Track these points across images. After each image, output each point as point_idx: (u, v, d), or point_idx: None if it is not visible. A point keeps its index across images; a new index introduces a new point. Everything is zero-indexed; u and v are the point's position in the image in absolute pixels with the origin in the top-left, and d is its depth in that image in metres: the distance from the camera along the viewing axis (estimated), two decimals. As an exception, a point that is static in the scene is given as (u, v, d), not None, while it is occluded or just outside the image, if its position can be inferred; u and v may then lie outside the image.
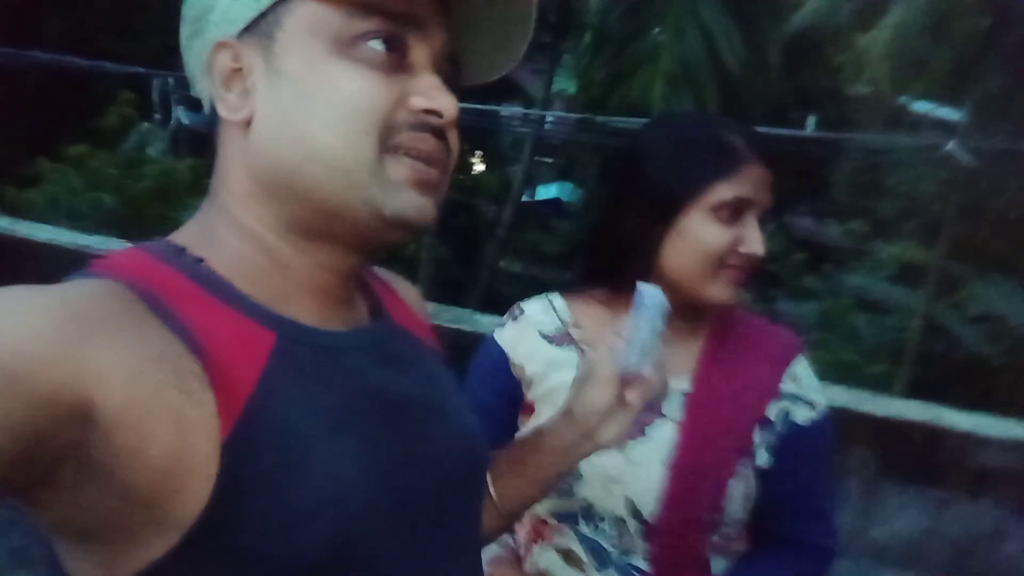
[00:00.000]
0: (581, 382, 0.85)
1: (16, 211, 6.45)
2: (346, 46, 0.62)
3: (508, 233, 10.13)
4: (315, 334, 0.65)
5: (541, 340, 1.21)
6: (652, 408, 1.11)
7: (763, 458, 1.12)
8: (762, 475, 1.13)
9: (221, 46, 0.65)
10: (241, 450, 0.55)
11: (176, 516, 0.53)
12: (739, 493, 1.10)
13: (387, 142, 0.62)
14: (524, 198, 11.05)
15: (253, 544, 0.55)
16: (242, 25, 0.64)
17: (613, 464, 1.10)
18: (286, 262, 0.66)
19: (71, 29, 8.84)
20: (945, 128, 7.05)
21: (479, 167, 13.74)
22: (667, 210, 1.11)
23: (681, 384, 1.14)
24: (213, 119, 0.68)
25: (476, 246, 10.63)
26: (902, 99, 9.03)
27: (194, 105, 0.79)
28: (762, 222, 1.10)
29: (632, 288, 1.14)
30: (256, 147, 0.64)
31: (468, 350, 1.27)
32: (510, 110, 7.85)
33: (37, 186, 7.13)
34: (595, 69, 8.00)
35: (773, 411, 1.13)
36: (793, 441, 1.13)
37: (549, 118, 8.54)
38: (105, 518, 0.52)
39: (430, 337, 0.83)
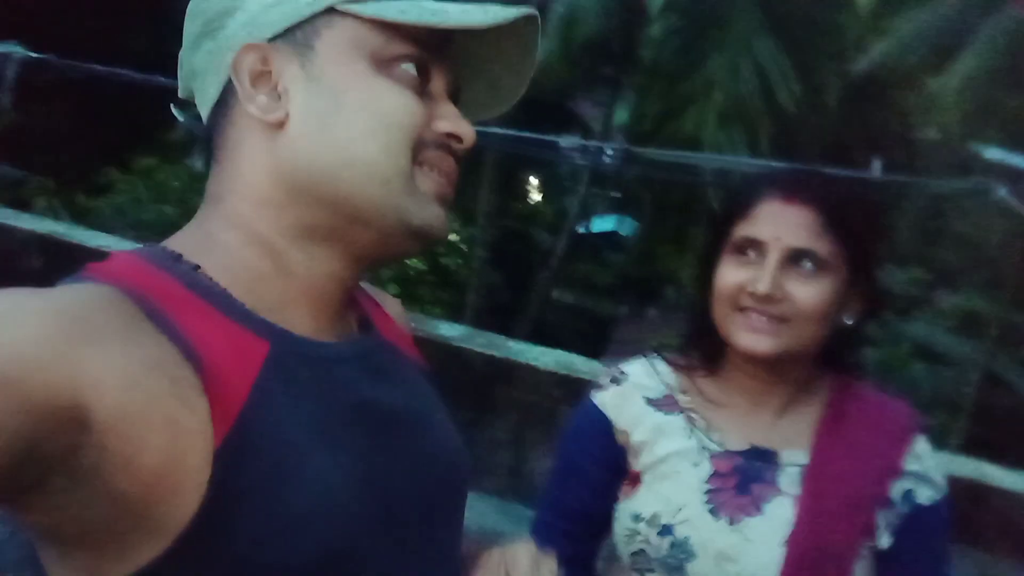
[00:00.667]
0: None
1: (83, 218, 6.74)
2: (383, 65, 0.66)
3: (561, 263, 10.10)
4: (308, 344, 0.66)
5: (647, 405, 1.17)
6: (766, 481, 1.08)
7: (884, 540, 1.07)
8: (881, 558, 1.08)
9: (251, 48, 0.67)
10: (233, 458, 0.56)
11: (166, 523, 0.54)
12: None
13: (417, 156, 0.67)
14: (579, 229, 11.03)
15: (242, 552, 0.55)
16: (275, 30, 0.67)
17: (727, 541, 1.06)
18: (292, 269, 0.67)
19: (153, 47, 9.23)
20: (1016, 176, 6.80)
21: (536, 196, 13.80)
22: (708, 259, 1.11)
23: (797, 457, 1.09)
24: (214, 122, 0.70)
25: (528, 275, 10.63)
26: (974, 145, 8.78)
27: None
28: (791, 261, 1.04)
29: (717, 350, 1.13)
30: (289, 150, 0.66)
31: (498, 376, 1.26)
32: (569, 140, 7.86)
33: (106, 195, 7.43)
34: (648, 103, 7.99)
35: (895, 490, 1.08)
36: (916, 522, 1.08)
37: (607, 150, 8.54)
38: (95, 524, 0.53)
39: (413, 351, 0.84)
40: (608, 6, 9.41)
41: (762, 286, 1.03)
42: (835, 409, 1.12)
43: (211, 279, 0.63)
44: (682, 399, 1.16)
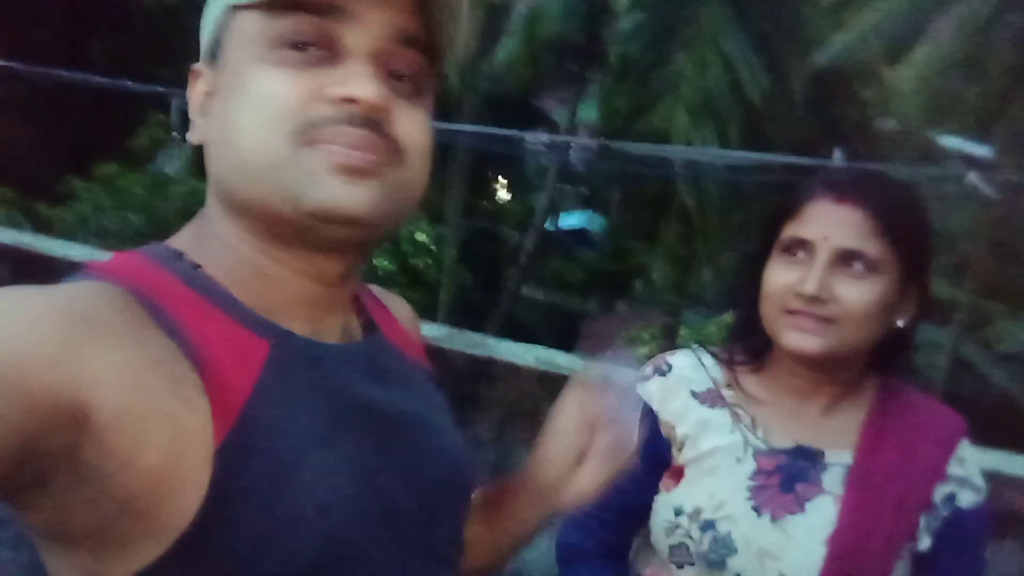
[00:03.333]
0: (548, 430, 0.82)
1: (46, 228, 6.59)
2: (270, 49, 0.61)
3: (531, 260, 10.14)
4: (308, 345, 0.65)
5: (692, 399, 1.15)
6: (810, 480, 1.07)
7: (924, 543, 1.07)
8: (919, 560, 1.07)
9: (194, 73, 0.67)
10: (234, 457, 0.55)
11: (167, 522, 0.53)
12: None
13: (303, 137, 0.60)
14: (547, 226, 11.08)
15: (242, 551, 0.54)
16: (207, 50, 0.66)
17: (769, 538, 1.05)
18: (266, 272, 0.65)
19: (113, 52, 9.07)
20: (974, 163, 6.97)
21: (503, 194, 13.83)
22: (757, 258, 1.10)
23: (843, 457, 1.08)
24: None
25: (498, 273, 10.64)
26: (931, 134, 8.96)
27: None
28: (841, 262, 1.03)
29: (763, 346, 1.11)
30: (211, 163, 0.65)
31: (480, 375, 1.25)
32: (535, 137, 7.88)
33: (67, 204, 7.28)
34: (617, 98, 8.05)
35: (938, 494, 1.07)
36: (957, 527, 1.07)
37: (573, 145, 8.58)
38: (96, 523, 0.52)
39: (420, 356, 0.83)
40: (572, 4, 9.46)
41: (809, 287, 1.01)
42: (881, 411, 1.11)
43: (212, 278, 0.63)
44: (727, 394, 1.15)
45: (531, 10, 9.69)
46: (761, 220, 1.14)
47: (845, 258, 1.02)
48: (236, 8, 0.63)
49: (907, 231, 1.05)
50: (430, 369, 0.83)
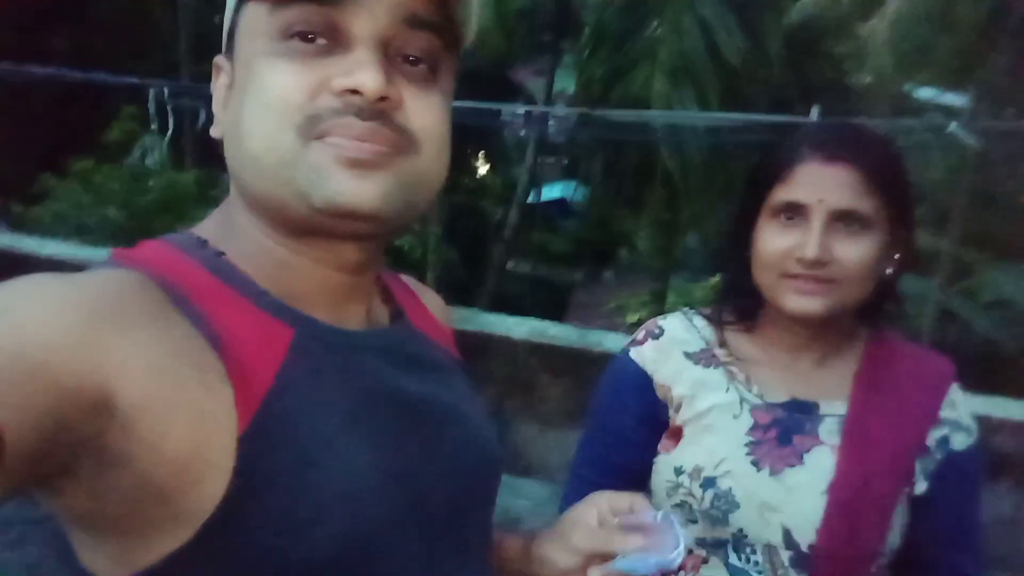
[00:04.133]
0: (562, 527, 0.80)
1: (23, 227, 6.50)
2: (276, 41, 0.60)
3: (514, 234, 10.12)
4: (332, 332, 0.65)
5: (686, 360, 1.17)
6: (806, 432, 1.09)
7: (921, 486, 1.09)
8: (917, 503, 1.09)
9: (216, 67, 0.67)
10: (257, 444, 0.55)
11: (192, 510, 0.53)
12: (900, 522, 1.07)
13: (311, 132, 0.60)
14: (529, 199, 11.04)
15: (266, 540, 0.54)
16: (225, 43, 0.66)
17: (769, 491, 1.06)
18: (287, 260, 0.65)
19: (75, 45, 8.91)
20: (950, 114, 7.00)
21: (483, 169, 13.76)
22: (744, 221, 1.10)
23: (837, 408, 1.10)
24: None
25: (483, 248, 10.62)
26: (906, 87, 8.98)
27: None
28: (835, 222, 1.03)
29: (754, 306, 1.13)
30: (228, 159, 0.65)
31: (473, 350, 1.24)
32: (512, 109, 7.82)
33: (44, 202, 7.17)
34: (594, 66, 7.99)
35: (931, 438, 1.10)
36: (951, 468, 1.10)
37: (552, 116, 8.53)
38: (122, 510, 0.52)
39: (450, 344, 0.83)
40: (541, -27, 9.36)
41: (810, 251, 1.02)
42: (872, 360, 1.13)
43: (236, 266, 0.63)
44: (720, 353, 1.17)
45: (501, -19, 9.58)
46: (746, 182, 1.14)
47: (840, 218, 1.03)
48: (245, 0, 0.63)
49: (895, 185, 1.06)
50: (459, 358, 0.82)
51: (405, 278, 0.86)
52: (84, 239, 5.68)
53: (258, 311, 0.61)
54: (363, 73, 0.59)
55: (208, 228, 0.67)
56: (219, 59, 0.67)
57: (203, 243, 0.64)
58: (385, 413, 0.65)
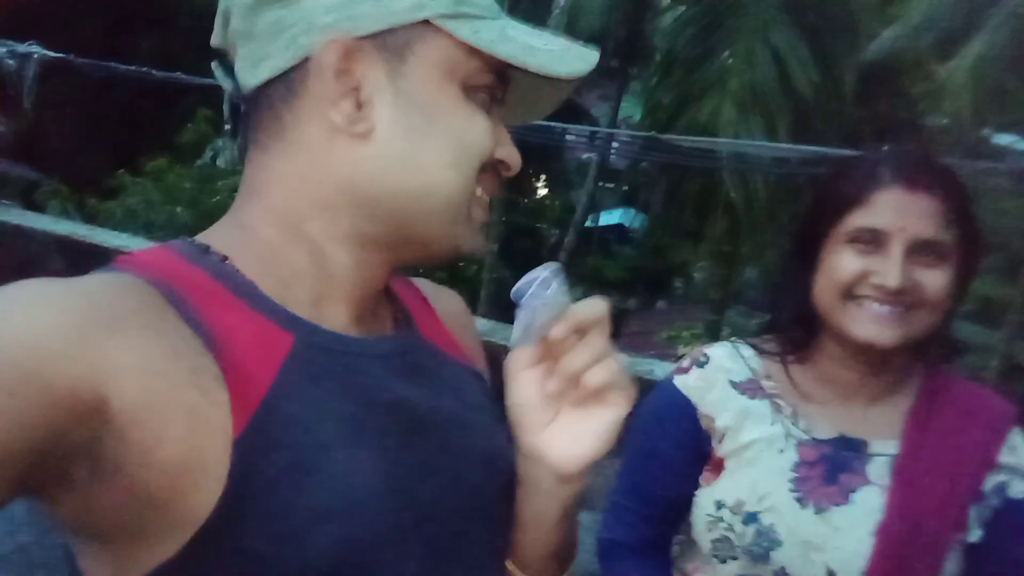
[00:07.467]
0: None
1: (96, 221, 6.73)
2: (469, 91, 0.63)
3: (570, 258, 10.12)
4: (335, 339, 0.63)
5: (731, 389, 1.13)
6: (854, 471, 1.05)
7: (975, 534, 1.04)
8: (970, 552, 1.04)
9: (338, 43, 0.60)
10: (252, 449, 0.54)
11: (186, 516, 0.52)
12: (952, 571, 1.02)
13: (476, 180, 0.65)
14: (587, 223, 11.06)
15: (261, 547, 0.53)
16: (368, 30, 0.61)
17: (814, 530, 1.02)
18: (332, 270, 0.64)
19: (158, 48, 9.24)
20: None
21: (542, 191, 13.81)
22: (810, 243, 1.08)
23: (888, 447, 1.06)
24: (264, 99, 0.64)
25: (538, 269, 10.63)
26: (983, 131, 8.77)
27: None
28: (914, 251, 1.00)
29: (808, 337, 1.11)
30: (368, 163, 0.62)
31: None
32: (577, 129, 7.85)
33: (117, 197, 7.42)
34: (662, 92, 7.98)
35: (988, 484, 1.05)
36: (1008, 516, 1.04)
37: (615, 141, 8.53)
38: (117, 517, 0.52)
39: (462, 352, 0.79)
40: (612, -1, 9.41)
41: (892, 280, 0.99)
42: (928, 398, 1.09)
43: (238, 271, 0.61)
44: (767, 384, 1.12)
45: (572, 4, 9.67)
46: (814, 204, 1.10)
47: (920, 248, 1.00)
48: (431, 25, 0.61)
49: (971, 219, 1.04)
50: (475, 366, 0.78)
51: (419, 282, 0.83)
52: (152, 235, 5.85)
53: (259, 316, 0.60)
54: (515, 153, 0.68)
55: (213, 235, 0.65)
56: (347, 40, 0.60)
57: (205, 248, 0.62)
58: (387, 422, 0.63)
